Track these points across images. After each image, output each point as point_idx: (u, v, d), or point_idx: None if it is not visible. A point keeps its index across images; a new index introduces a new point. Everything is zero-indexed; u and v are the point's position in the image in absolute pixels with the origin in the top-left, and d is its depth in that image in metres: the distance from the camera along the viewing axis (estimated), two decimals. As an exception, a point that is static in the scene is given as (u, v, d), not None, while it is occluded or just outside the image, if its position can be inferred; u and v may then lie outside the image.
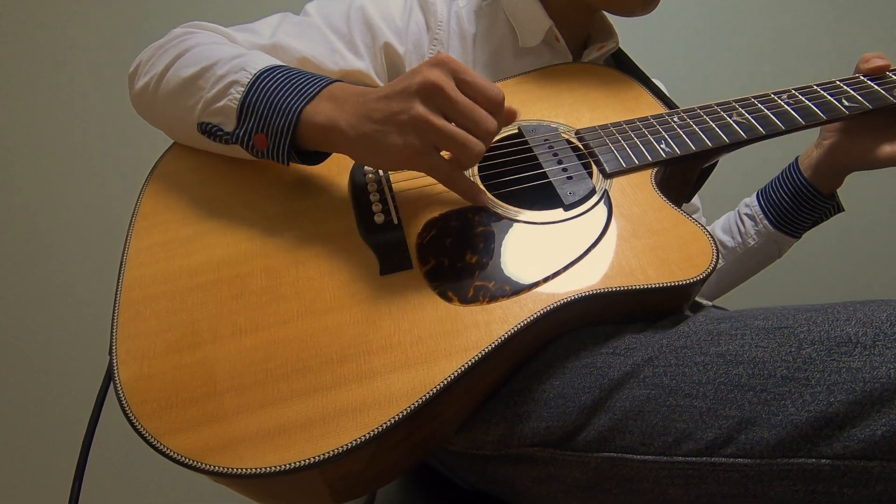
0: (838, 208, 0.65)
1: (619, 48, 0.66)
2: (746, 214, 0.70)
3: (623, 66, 0.66)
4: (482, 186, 0.48)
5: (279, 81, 0.44)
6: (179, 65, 0.47)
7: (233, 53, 0.46)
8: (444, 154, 0.42)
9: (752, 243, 0.69)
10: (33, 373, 1.03)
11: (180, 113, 0.47)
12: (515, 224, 0.45)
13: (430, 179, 0.49)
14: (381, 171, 0.49)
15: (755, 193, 0.70)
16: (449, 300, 0.40)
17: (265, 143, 0.43)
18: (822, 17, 1.18)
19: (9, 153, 1.06)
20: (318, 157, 0.46)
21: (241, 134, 0.44)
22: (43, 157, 1.08)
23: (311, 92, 0.43)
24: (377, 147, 0.41)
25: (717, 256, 0.42)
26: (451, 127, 0.40)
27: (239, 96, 0.43)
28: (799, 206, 0.64)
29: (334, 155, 0.49)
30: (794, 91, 0.53)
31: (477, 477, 0.48)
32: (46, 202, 1.07)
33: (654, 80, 0.62)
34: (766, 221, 0.67)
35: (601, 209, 0.46)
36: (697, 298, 0.61)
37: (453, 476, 0.51)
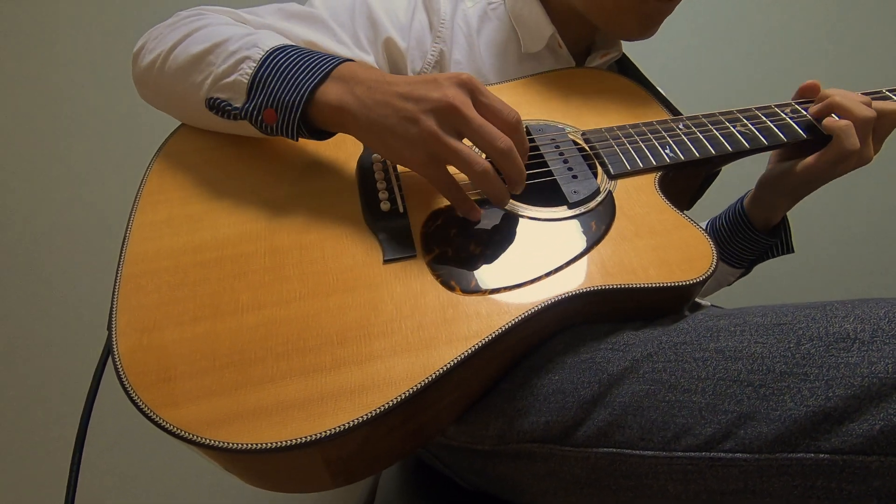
0: (785, 248, 0.64)
1: (624, 54, 0.67)
2: None
3: (627, 72, 0.67)
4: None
5: (291, 59, 0.44)
6: (189, 42, 0.47)
7: (244, 32, 0.47)
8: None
9: None
10: (34, 349, 1.02)
11: (188, 89, 0.46)
12: (520, 219, 0.46)
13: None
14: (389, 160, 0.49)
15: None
16: (451, 289, 0.40)
17: (274, 118, 0.43)
18: (821, 21, 1.21)
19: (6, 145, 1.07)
20: (327, 134, 0.46)
21: (251, 108, 0.44)
22: (38, 144, 1.08)
23: (324, 69, 0.43)
24: (385, 145, 0.42)
25: (717, 260, 0.43)
26: (460, 146, 0.40)
27: (250, 71, 0.43)
28: (733, 235, 0.64)
29: (343, 141, 0.49)
30: (795, 105, 0.55)
31: (477, 475, 0.47)
32: (44, 185, 1.07)
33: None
34: None
35: (605, 209, 0.47)
36: (696, 298, 0.61)
37: (453, 475, 0.51)
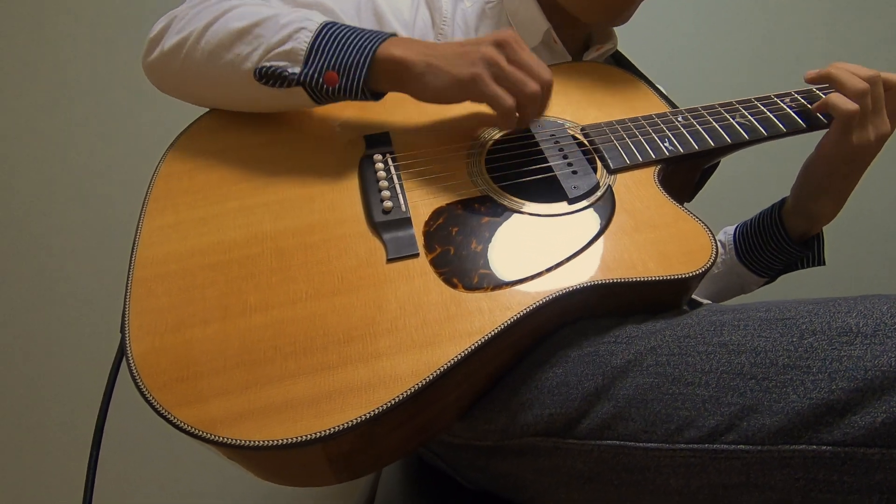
0: (817, 260, 0.62)
1: (618, 50, 0.67)
2: (720, 241, 0.67)
3: (623, 67, 0.66)
4: (489, 178, 0.49)
5: (345, 30, 0.47)
6: (227, 19, 0.48)
7: (289, 9, 0.49)
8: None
9: (716, 271, 0.67)
10: (49, 351, 1.04)
11: (231, 61, 0.47)
12: (520, 216, 0.46)
13: (437, 169, 0.49)
14: (390, 161, 0.49)
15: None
16: (454, 286, 0.41)
17: (336, 80, 0.46)
18: (819, 18, 1.19)
19: (8, 147, 1.08)
20: (380, 95, 0.49)
21: (311, 72, 0.45)
22: (47, 146, 1.09)
23: (381, 35, 0.46)
24: (444, 75, 0.45)
25: (717, 253, 0.43)
26: (515, 69, 0.46)
27: (308, 39, 0.46)
28: (765, 244, 0.62)
29: (346, 142, 0.50)
30: (795, 94, 0.55)
31: (480, 473, 0.48)
32: (54, 187, 1.08)
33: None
34: (733, 252, 0.65)
35: (605, 203, 0.47)
36: (697, 297, 0.61)
37: (455, 474, 0.51)
